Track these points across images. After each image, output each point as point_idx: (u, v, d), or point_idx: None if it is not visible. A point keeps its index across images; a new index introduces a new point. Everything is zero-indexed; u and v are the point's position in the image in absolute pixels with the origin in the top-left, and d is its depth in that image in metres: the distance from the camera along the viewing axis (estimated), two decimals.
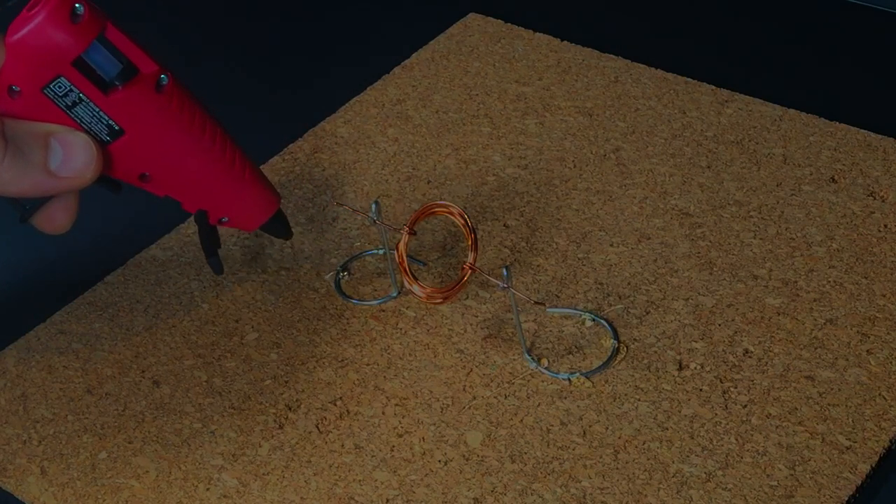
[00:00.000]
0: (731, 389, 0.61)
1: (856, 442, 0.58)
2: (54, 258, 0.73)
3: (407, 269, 0.63)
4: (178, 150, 0.58)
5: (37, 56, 0.52)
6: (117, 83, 0.54)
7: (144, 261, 0.71)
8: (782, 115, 0.78)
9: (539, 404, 0.61)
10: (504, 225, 0.72)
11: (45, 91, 0.53)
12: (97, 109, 0.54)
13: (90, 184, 0.55)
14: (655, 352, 0.63)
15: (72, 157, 0.54)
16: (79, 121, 0.54)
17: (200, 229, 0.63)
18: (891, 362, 0.62)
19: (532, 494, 0.57)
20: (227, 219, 0.62)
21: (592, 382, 0.62)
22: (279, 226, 0.65)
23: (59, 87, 0.53)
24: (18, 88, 0.52)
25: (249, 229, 0.64)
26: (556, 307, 0.66)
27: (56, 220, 0.56)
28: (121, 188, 0.59)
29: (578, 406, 0.61)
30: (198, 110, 0.58)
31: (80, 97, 0.53)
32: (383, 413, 0.62)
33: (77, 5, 0.52)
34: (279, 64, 0.90)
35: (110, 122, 0.55)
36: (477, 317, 0.66)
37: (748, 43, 0.87)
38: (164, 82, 0.55)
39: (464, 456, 0.59)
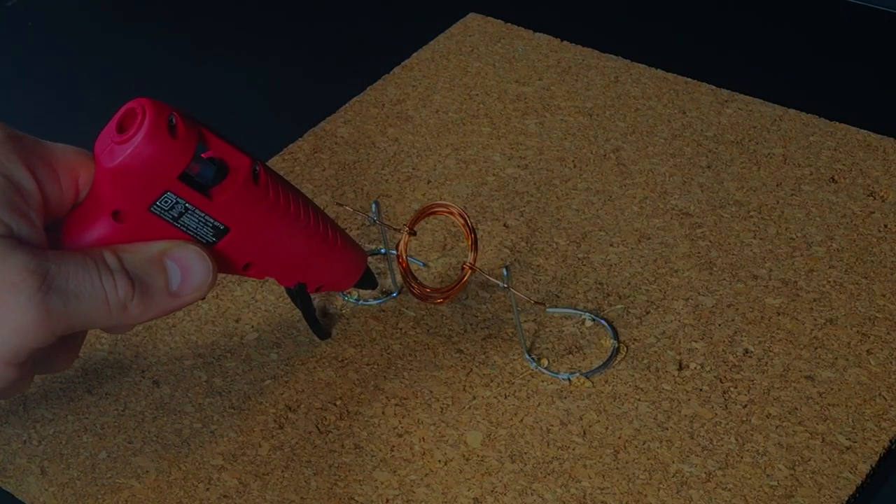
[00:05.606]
0: (731, 389, 0.61)
1: (856, 442, 0.58)
2: None
3: (407, 269, 0.63)
4: (280, 235, 0.56)
5: (142, 178, 0.50)
6: (215, 184, 0.52)
7: None
8: (782, 115, 0.78)
9: (539, 404, 0.61)
10: (504, 225, 0.72)
11: (152, 209, 0.51)
12: (203, 214, 0.52)
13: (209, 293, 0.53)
14: (655, 352, 0.63)
15: (190, 273, 0.53)
16: (185, 229, 0.53)
17: (302, 301, 0.62)
18: (891, 362, 0.62)
19: (532, 494, 0.57)
20: (322, 285, 0.61)
21: (592, 382, 0.62)
22: (367, 279, 0.64)
23: (166, 203, 0.51)
24: (124, 211, 0.51)
25: (343, 289, 0.64)
26: (556, 307, 0.66)
27: None
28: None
29: (578, 406, 0.61)
30: (290, 192, 0.56)
31: (186, 207, 0.52)
32: (383, 413, 0.62)
33: (171, 117, 0.50)
34: (279, 64, 0.90)
35: (216, 223, 0.53)
36: (477, 317, 0.66)
37: (748, 43, 0.87)
38: (257, 172, 0.54)
39: (464, 456, 0.59)
